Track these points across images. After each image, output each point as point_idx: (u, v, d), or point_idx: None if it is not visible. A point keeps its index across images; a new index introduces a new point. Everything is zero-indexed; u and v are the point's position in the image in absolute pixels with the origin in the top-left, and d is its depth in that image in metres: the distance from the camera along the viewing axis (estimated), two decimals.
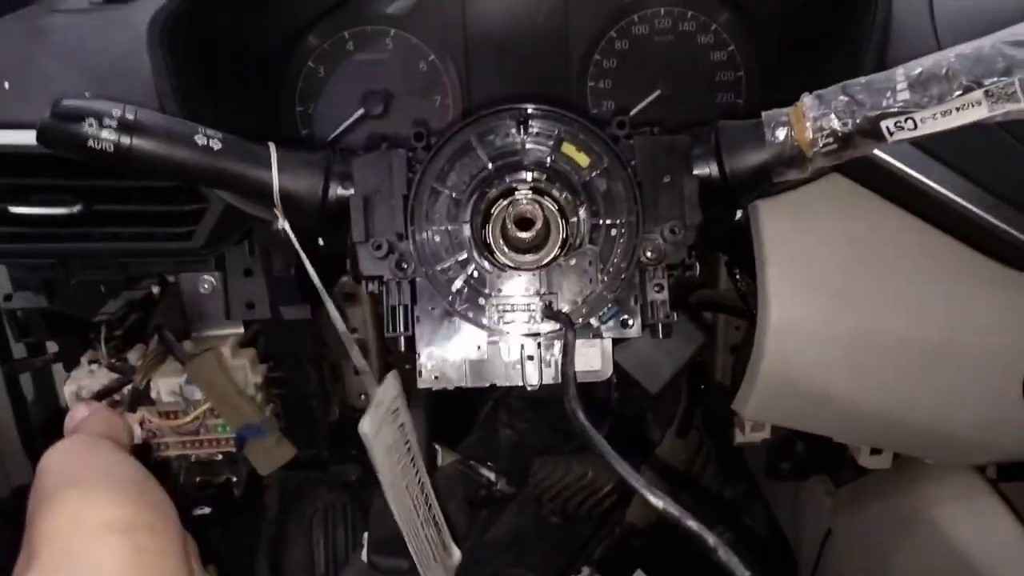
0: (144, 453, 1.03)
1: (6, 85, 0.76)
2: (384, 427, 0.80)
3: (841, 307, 0.80)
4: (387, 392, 0.78)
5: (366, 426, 0.74)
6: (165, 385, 0.97)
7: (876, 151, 0.75)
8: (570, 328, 0.68)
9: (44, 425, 1.31)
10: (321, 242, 0.86)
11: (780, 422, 0.96)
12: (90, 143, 0.63)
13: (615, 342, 0.76)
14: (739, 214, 0.88)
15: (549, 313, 0.70)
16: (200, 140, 0.67)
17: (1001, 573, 0.90)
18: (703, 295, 1.16)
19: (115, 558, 0.40)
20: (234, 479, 1.35)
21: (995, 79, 0.61)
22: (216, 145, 0.67)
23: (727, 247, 1.04)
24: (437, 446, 1.61)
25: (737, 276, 1.08)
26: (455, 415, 1.67)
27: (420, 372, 0.74)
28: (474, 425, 1.73)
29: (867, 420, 0.84)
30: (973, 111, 0.63)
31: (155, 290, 1.08)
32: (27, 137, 0.73)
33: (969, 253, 0.80)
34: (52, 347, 1.20)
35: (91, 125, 0.63)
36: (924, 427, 0.84)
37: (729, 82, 0.98)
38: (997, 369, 0.81)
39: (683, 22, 0.98)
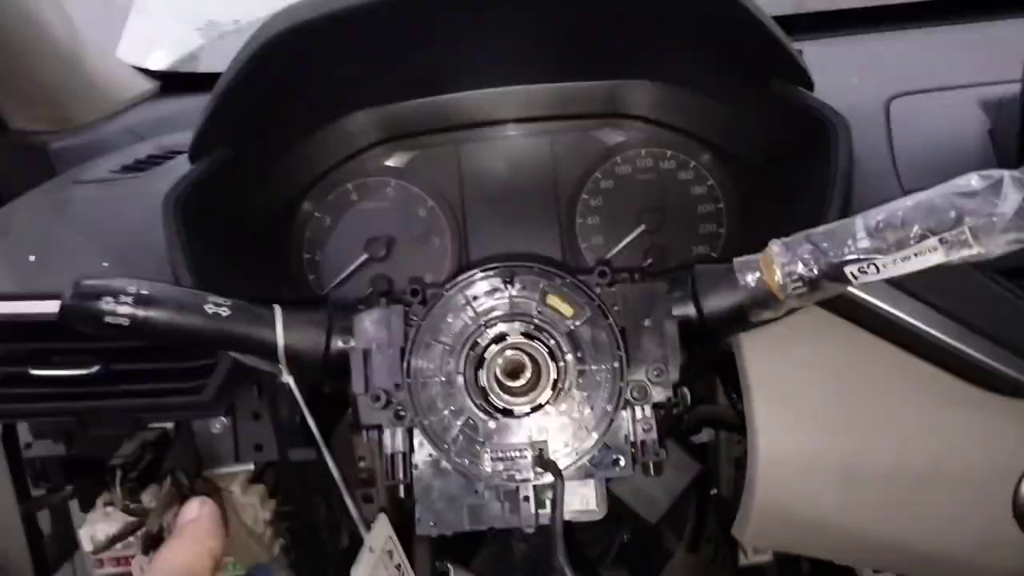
0: None
1: (31, 258, 0.82)
2: (379, 571, 0.82)
3: (829, 436, 0.82)
4: (377, 537, 0.81)
5: (358, 572, 0.76)
6: None
7: (848, 288, 0.79)
8: (559, 479, 0.71)
9: (58, 562, 1.33)
10: (326, 387, 0.90)
11: (780, 548, 0.97)
12: (108, 319, 0.68)
13: (608, 479, 0.79)
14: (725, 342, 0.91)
15: (539, 463, 0.73)
16: (210, 309, 0.72)
17: None
18: (702, 412, 1.17)
19: None
20: None
21: (948, 228, 0.65)
22: (224, 312, 0.72)
23: (718, 370, 1.07)
24: (449, 565, 1.61)
25: (732, 395, 1.10)
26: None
27: (418, 520, 0.76)
28: (486, 540, 1.72)
29: (864, 545, 0.85)
30: (931, 256, 0.67)
31: (169, 426, 1.12)
32: (50, 306, 0.79)
33: (949, 379, 0.82)
34: None
35: (108, 303, 0.68)
36: (921, 550, 0.84)
37: (711, 213, 1.04)
38: (986, 491, 0.82)
39: (664, 160, 1.04)
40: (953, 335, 0.79)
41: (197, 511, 0.64)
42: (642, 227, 1.02)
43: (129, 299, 0.69)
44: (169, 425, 1.12)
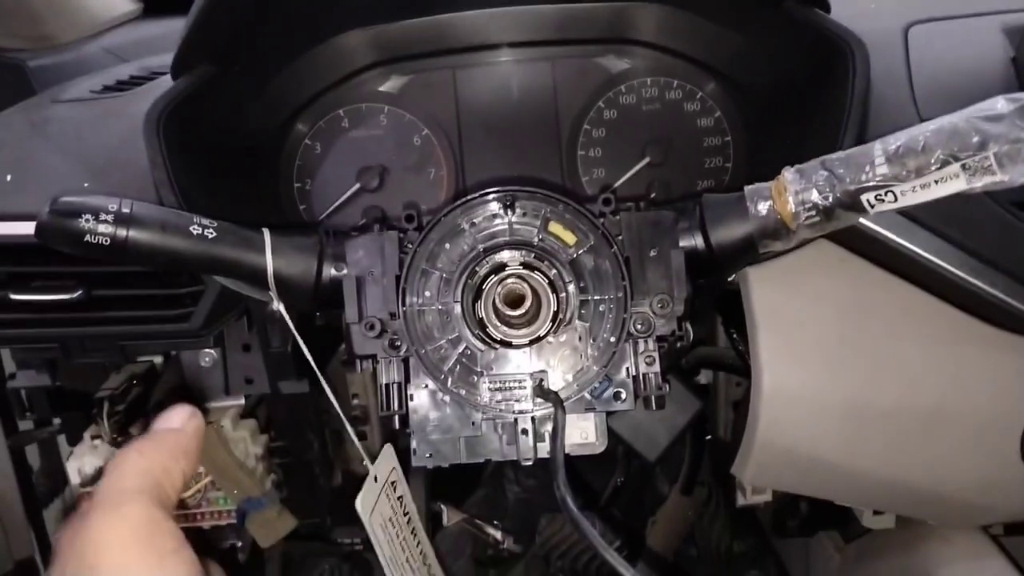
0: None
1: (8, 178, 0.78)
2: (381, 502, 0.80)
3: (834, 373, 0.80)
4: (382, 467, 0.79)
5: (360, 504, 0.74)
6: None
7: (861, 219, 0.76)
8: (560, 409, 0.68)
9: (48, 496, 1.32)
10: (318, 315, 0.87)
11: (780, 487, 0.96)
12: (87, 238, 0.65)
13: (609, 413, 0.77)
14: (733, 275, 0.89)
15: (540, 393, 0.71)
16: (195, 230, 0.68)
17: None
18: (701, 353, 1.16)
19: None
20: (239, 544, 1.35)
21: (971, 153, 0.62)
22: (211, 233, 0.69)
23: (721, 308, 1.05)
24: (443, 505, 1.61)
25: (734, 335, 1.08)
26: (461, 473, 1.66)
27: (414, 451, 0.74)
28: (480, 483, 1.72)
29: (866, 484, 0.84)
30: (951, 184, 0.64)
31: (157, 362, 1.10)
32: (28, 228, 0.75)
33: (959, 315, 0.80)
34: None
35: (88, 220, 0.65)
36: (924, 490, 0.83)
37: (717, 147, 1.00)
38: (993, 431, 0.81)
39: (670, 91, 1.00)
40: (967, 269, 0.76)
41: (181, 422, 0.61)
42: (646, 159, 0.98)
43: (110, 217, 0.65)
44: (158, 359, 1.09)
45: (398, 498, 0.82)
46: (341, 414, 0.75)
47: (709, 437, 1.36)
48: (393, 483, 0.81)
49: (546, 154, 1.00)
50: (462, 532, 1.70)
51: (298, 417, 1.07)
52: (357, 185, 0.98)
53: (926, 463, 0.82)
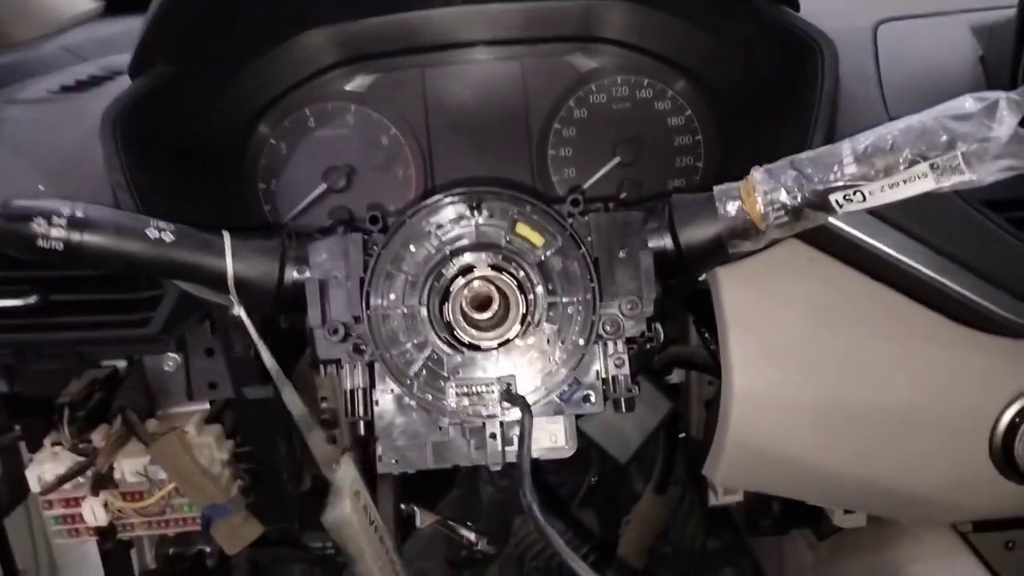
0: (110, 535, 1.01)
1: None
2: (352, 511, 0.79)
3: (805, 372, 0.80)
4: (344, 478, 0.78)
5: (329, 518, 0.73)
6: (129, 466, 0.96)
7: (831, 219, 0.76)
8: (527, 414, 0.67)
9: (10, 504, 1.29)
10: (283, 322, 0.86)
11: (751, 487, 0.96)
12: (39, 242, 0.63)
13: (578, 416, 0.76)
14: (704, 275, 0.88)
15: (507, 397, 0.70)
16: (152, 233, 0.67)
17: None
18: (673, 352, 1.15)
19: None
20: (207, 550, 1.32)
21: (939, 152, 0.62)
22: (168, 237, 0.67)
23: (692, 308, 1.04)
24: (416, 507, 1.59)
25: (705, 335, 1.08)
26: (434, 474, 1.65)
27: (379, 457, 0.73)
28: (454, 483, 1.71)
29: (837, 484, 0.84)
30: (920, 183, 0.64)
31: (120, 366, 1.07)
32: None
33: (929, 315, 0.80)
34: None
35: (40, 224, 0.63)
36: (894, 489, 0.83)
37: (688, 146, 0.99)
38: (963, 430, 0.81)
39: (640, 89, 0.99)
40: (936, 269, 0.76)
41: None
42: (617, 159, 0.98)
43: (63, 221, 0.63)
44: (121, 363, 1.07)
45: (363, 507, 0.81)
46: (300, 424, 0.73)
47: (683, 436, 1.36)
48: (356, 493, 0.80)
49: (516, 154, 0.99)
50: (435, 534, 1.68)
51: (264, 422, 1.05)
52: (323, 186, 0.96)
53: (897, 462, 0.82)
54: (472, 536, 1.61)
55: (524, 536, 1.61)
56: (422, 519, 1.59)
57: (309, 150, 0.98)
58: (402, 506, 1.48)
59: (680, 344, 1.16)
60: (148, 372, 1.01)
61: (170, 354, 0.98)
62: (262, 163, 0.97)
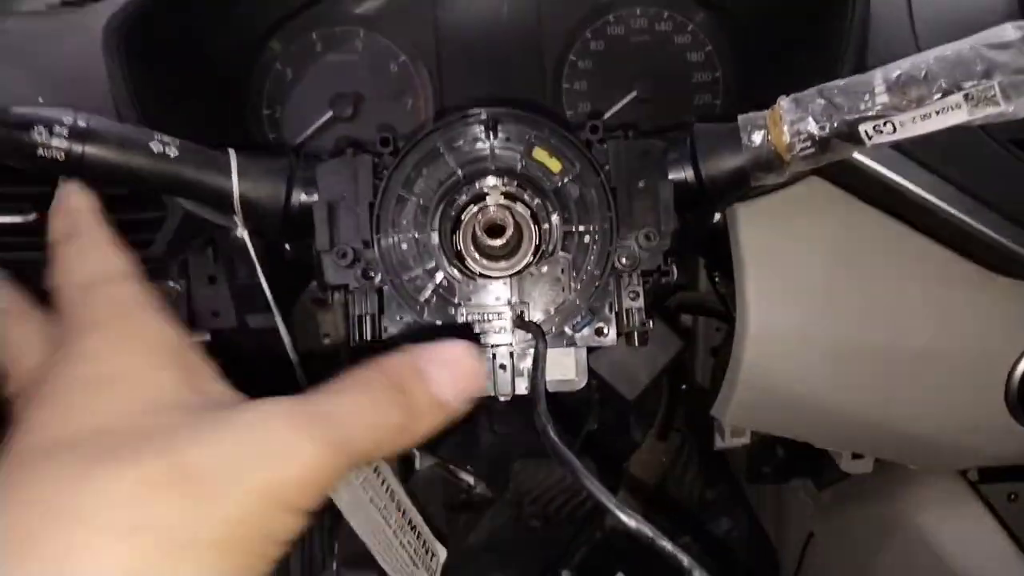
0: None
1: None
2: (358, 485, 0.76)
3: (821, 312, 0.78)
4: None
5: (336, 499, 0.71)
6: None
7: (855, 154, 0.74)
8: (541, 339, 0.66)
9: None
10: (287, 247, 0.84)
11: (760, 428, 0.95)
12: (40, 152, 0.61)
13: (590, 350, 0.74)
14: (717, 216, 0.86)
15: (520, 323, 0.68)
16: (156, 147, 0.64)
17: None
18: (682, 297, 1.14)
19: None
20: None
21: (975, 82, 0.60)
22: (172, 152, 0.65)
23: (705, 250, 1.02)
24: (415, 449, 1.59)
25: (716, 279, 1.06)
26: None
27: None
28: (453, 427, 1.71)
29: (848, 426, 0.83)
30: (953, 114, 0.61)
31: None
32: None
33: (950, 257, 0.78)
34: None
35: (40, 133, 0.60)
36: (905, 433, 0.83)
37: (706, 83, 0.97)
38: (979, 374, 0.80)
39: (659, 22, 0.96)
40: (961, 208, 0.74)
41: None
42: (634, 93, 0.95)
43: (64, 131, 0.61)
44: None
45: (374, 470, 0.79)
46: (293, 354, 0.71)
47: (684, 387, 1.36)
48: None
49: (529, 87, 0.96)
50: (434, 476, 1.69)
51: (265, 355, 1.04)
52: (329, 113, 0.94)
53: (910, 404, 0.81)
54: (471, 479, 1.62)
55: (523, 481, 1.62)
56: (421, 461, 1.60)
57: (316, 76, 0.95)
58: None
59: (689, 291, 1.15)
60: None
61: (171, 283, 0.96)
62: (267, 88, 0.94)
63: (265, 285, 0.70)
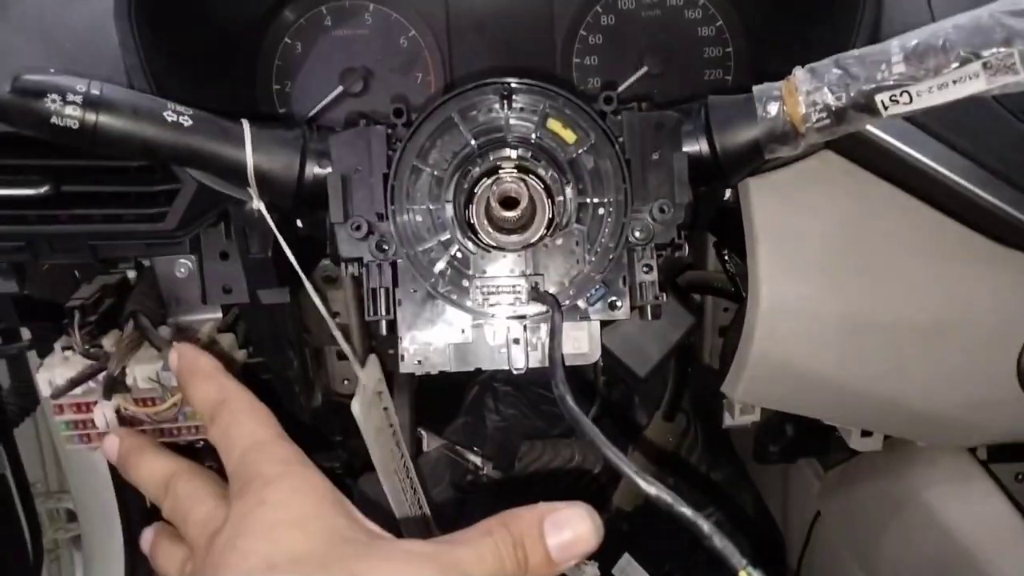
0: None
1: None
2: (372, 409, 0.78)
3: (833, 287, 0.78)
4: (370, 375, 0.77)
5: (356, 407, 0.72)
6: (141, 372, 0.94)
7: (869, 127, 0.74)
8: (557, 310, 0.66)
9: (19, 415, 1.28)
10: (299, 224, 0.83)
11: (770, 405, 0.95)
12: (53, 120, 0.61)
13: (603, 324, 0.74)
14: (727, 194, 0.86)
15: (535, 295, 0.68)
16: (169, 116, 0.64)
17: (993, 555, 0.89)
18: (691, 276, 1.14)
19: None
20: (214, 466, 1.32)
21: (994, 50, 0.59)
22: (186, 122, 0.65)
23: (715, 227, 1.02)
24: (423, 431, 1.59)
25: (726, 257, 1.06)
26: (441, 401, 1.65)
27: (402, 356, 0.72)
28: (460, 411, 1.71)
29: (859, 402, 0.83)
30: (971, 84, 0.61)
31: (131, 275, 1.05)
32: None
33: (964, 231, 0.78)
34: (27, 335, 1.18)
35: (54, 101, 0.60)
36: (917, 409, 0.83)
37: (717, 58, 0.96)
38: (991, 350, 0.80)
39: None
40: (975, 181, 0.74)
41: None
42: (644, 69, 0.94)
43: (78, 99, 0.61)
44: (131, 274, 1.05)
45: (384, 409, 0.80)
46: (324, 310, 0.71)
47: (691, 368, 1.36)
48: (379, 393, 0.79)
49: (539, 62, 0.95)
50: (442, 458, 1.69)
51: (277, 332, 1.04)
52: (340, 88, 0.93)
53: (921, 380, 0.81)
54: (478, 461, 1.63)
55: (530, 462, 1.62)
56: (429, 443, 1.60)
57: (325, 51, 0.94)
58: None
59: (698, 270, 1.15)
60: (160, 278, 0.99)
61: (182, 260, 0.96)
62: (277, 63, 0.94)
63: (287, 250, 0.70)
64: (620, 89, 0.94)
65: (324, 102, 0.93)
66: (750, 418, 1.06)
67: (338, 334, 0.71)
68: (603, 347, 0.85)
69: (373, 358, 0.78)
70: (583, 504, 0.51)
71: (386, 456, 0.77)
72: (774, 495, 1.49)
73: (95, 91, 0.61)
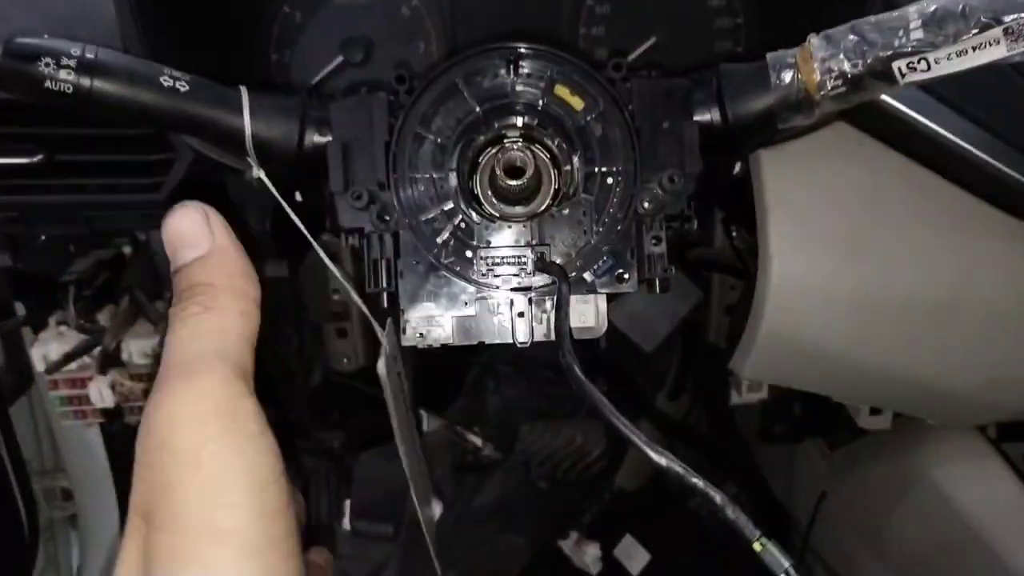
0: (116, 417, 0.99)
1: None
2: (391, 373, 0.76)
3: (845, 261, 0.77)
4: (389, 338, 0.75)
5: (381, 367, 0.70)
6: (137, 346, 0.93)
7: (884, 97, 0.72)
8: (564, 280, 0.64)
9: (14, 393, 1.27)
10: (298, 196, 0.82)
11: (779, 381, 0.94)
12: (47, 84, 0.58)
13: (610, 298, 0.73)
14: (737, 167, 0.84)
15: (542, 265, 0.66)
16: (166, 81, 0.62)
17: (1003, 535, 0.88)
18: (698, 254, 1.12)
19: None
20: None
21: (1015, 16, 0.57)
22: (183, 87, 0.63)
23: (724, 202, 1.00)
24: (423, 412, 1.58)
25: (734, 234, 1.04)
26: (441, 381, 1.64)
27: (404, 329, 0.70)
28: (461, 391, 1.70)
29: (869, 379, 0.82)
30: (991, 50, 0.59)
31: (126, 250, 1.03)
32: None
33: (979, 204, 0.76)
34: (22, 310, 1.16)
35: (48, 65, 0.58)
36: (928, 386, 0.81)
37: (728, 29, 0.94)
38: (1005, 326, 0.78)
39: None
40: (992, 153, 0.72)
41: (208, 241, 0.46)
42: (653, 39, 0.92)
43: (72, 63, 0.59)
44: (127, 249, 1.03)
45: (398, 373, 0.79)
46: (344, 281, 0.69)
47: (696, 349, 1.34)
48: (395, 358, 0.77)
49: (545, 31, 0.93)
50: (442, 439, 1.68)
51: (275, 309, 1.02)
52: (340, 58, 0.91)
53: (933, 356, 0.79)
54: (479, 441, 1.62)
55: (530, 443, 1.61)
56: (430, 423, 1.59)
57: (326, 20, 0.92)
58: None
59: (705, 247, 1.13)
60: (155, 253, 0.97)
61: None
62: (276, 32, 0.92)
63: (293, 215, 0.68)
64: (629, 59, 0.92)
65: (324, 72, 0.91)
66: (757, 396, 1.04)
67: (353, 294, 0.69)
68: (608, 323, 0.84)
69: (390, 325, 0.77)
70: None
71: (403, 420, 0.76)
72: (778, 476, 1.48)
73: (90, 55, 0.59)
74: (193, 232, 0.47)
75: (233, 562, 0.38)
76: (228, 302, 0.45)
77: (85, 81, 0.59)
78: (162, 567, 0.38)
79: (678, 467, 0.48)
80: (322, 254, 0.67)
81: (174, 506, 0.38)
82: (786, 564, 0.45)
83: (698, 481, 0.47)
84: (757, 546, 0.46)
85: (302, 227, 0.67)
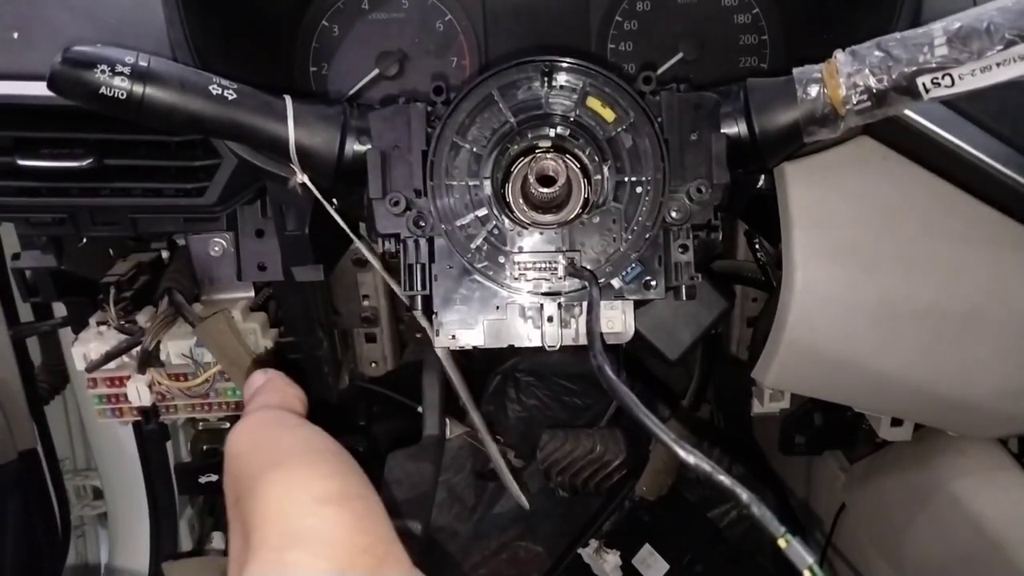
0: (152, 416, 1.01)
1: (15, 35, 0.74)
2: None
3: (868, 272, 0.78)
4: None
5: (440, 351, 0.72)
6: (175, 347, 0.96)
7: (907, 112, 0.73)
8: (595, 283, 0.66)
9: (50, 392, 1.30)
10: (335, 202, 0.84)
11: (801, 391, 0.95)
12: (102, 91, 0.62)
13: (637, 304, 0.75)
14: (761, 180, 0.86)
15: (572, 270, 0.68)
16: (215, 90, 0.65)
17: None
18: (722, 265, 1.14)
19: (337, 528, 0.41)
20: None
21: None
22: (231, 95, 0.66)
23: (748, 214, 1.02)
24: (446, 419, 1.60)
25: (757, 246, 1.06)
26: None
27: (437, 332, 0.72)
28: (482, 400, 1.72)
29: (891, 389, 0.83)
30: (1015, 67, 0.61)
31: (164, 254, 1.07)
32: (36, 88, 0.71)
33: (1000, 218, 0.78)
34: (59, 312, 1.20)
35: (103, 72, 0.61)
36: (949, 397, 0.82)
37: (753, 46, 0.96)
38: None
39: None
40: (1014, 167, 0.73)
41: (262, 378, 0.56)
42: (680, 55, 0.94)
43: (126, 70, 0.62)
44: (165, 253, 1.06)
45: None
46: (381, 269, 0.72)
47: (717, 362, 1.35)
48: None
49: (575, 46, 0.96)
50: (464, 446, 1.70)
51: (308, 312, 1.05)
52: (376, 71, 0.94)
53: (955, 368, 0.80)
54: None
55: (550, 452, 1.63)
56: (452, 430, 1.61)
57: (362, 34, 0.95)
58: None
59: (727, 259, 1.15)
60: (193, 257, 1.00)
61: (216, 239, 0.97)
62: (314, 45, 0.95)
63: (336, 216, 0.71)
64: (658, 72, 0.94)
65: (360, 84, 0.94)
66: (779, 405, 1.05)
67: (394, 285, 0.73)
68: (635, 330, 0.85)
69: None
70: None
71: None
72: (798, 488, 1.48)
73: (143, 63, 0.62)
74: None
75: None
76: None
77: (138, 88, 0.62)
78: None
79: (706, 465, 0.49)
80: (364, 249, 0.70)
81: None
82: (810, 560, 0.47)
83: (724, 479, 0.49)
84: (782, 542, 0.47)
85: (345, 226, 0.69)
